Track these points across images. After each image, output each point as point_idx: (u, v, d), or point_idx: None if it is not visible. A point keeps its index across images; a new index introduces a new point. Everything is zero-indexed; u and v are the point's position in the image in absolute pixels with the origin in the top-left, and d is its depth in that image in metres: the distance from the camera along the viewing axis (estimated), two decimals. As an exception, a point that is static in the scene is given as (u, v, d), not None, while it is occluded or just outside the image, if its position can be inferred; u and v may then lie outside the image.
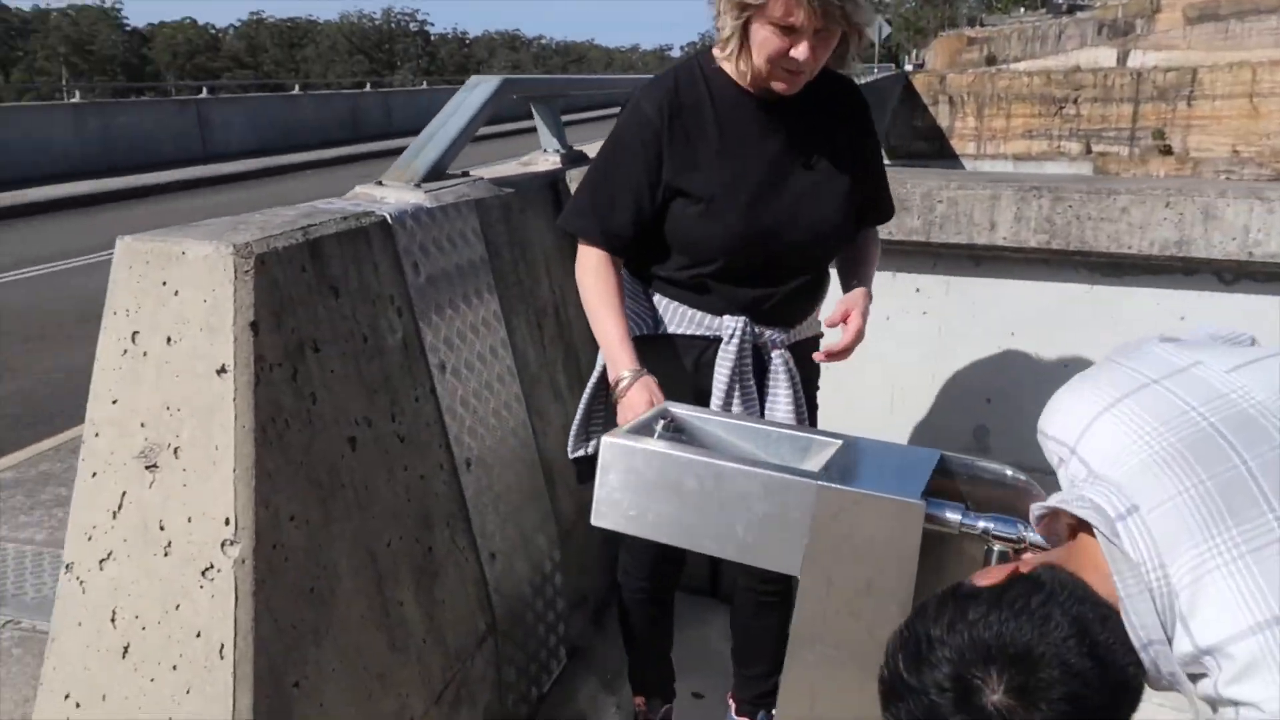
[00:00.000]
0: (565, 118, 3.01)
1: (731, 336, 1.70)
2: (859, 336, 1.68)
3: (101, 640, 1.41)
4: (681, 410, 1.36)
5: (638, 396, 1.57)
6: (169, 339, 1.46)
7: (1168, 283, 2.14)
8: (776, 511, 1.13)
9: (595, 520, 1.24)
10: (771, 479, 1.13)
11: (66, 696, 1.41)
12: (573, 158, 2.88)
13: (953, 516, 1.11)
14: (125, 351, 1.48)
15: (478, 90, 2.51)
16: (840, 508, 1.09)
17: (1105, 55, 39.13)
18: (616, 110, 1.85)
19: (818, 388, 1.94)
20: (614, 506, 1.22)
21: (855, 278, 1.81)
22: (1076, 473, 0.99)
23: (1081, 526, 0.95)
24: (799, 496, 1.11)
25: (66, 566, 1.45)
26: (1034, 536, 1.09)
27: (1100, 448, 0.96)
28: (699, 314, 1.73)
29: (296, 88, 22.04)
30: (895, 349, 2.40)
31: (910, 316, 2.39)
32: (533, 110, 2.93)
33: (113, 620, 1.41)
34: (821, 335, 1.92)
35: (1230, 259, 2.03)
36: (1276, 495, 0.85)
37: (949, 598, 0.93)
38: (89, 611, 1.42)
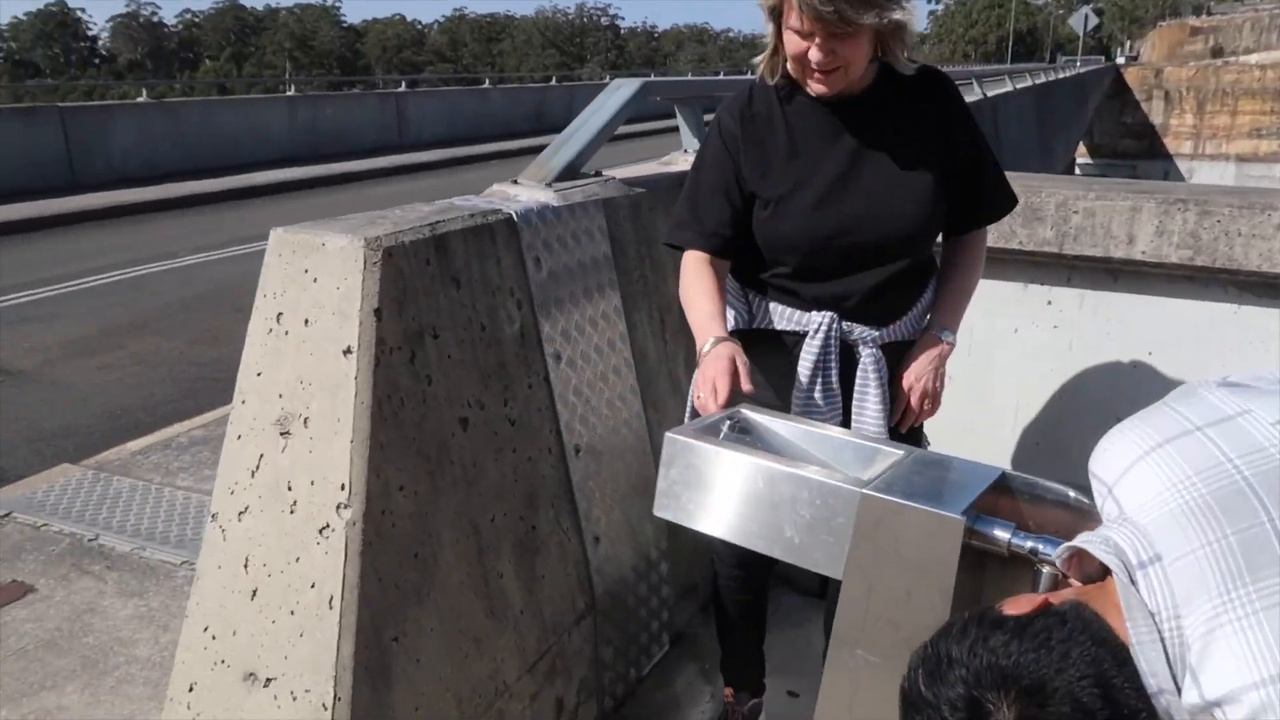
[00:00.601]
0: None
1: (817, 331, 1.74)
2: (924, 407, 1.79)
3: (236, 583, 1.61)
4: (752, 413, 1.40)
5: (719, 356, 1.55)
6: (306, 321, 1.64)
7: (1327, 306, 1.98)
8: (823, 516, 1.16)
9: (656, 510, 1.31)
10: (818, 484, 1.16)
11: (205, 629, 1.62)
12: (712, 158, 2.94)
13: (1001, 535, 1.10)
14: (270, 330, 1.67)
15: (618, 93, 2.62)
16: (882, 516, 1.11)
17: (1354, 45, 35.14)
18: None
19: None
20: (674, 499, 1.29)
21: (939, 309, 1.82)
22: (1110, 512, 0.99)
23: (1109, 569, 0.95)
24: (844, 503, 1.14)
25: (212, 516, 1.66)
26: (1082, 561, 1.07)
27: (1134, 492, 0.97)
28: (790, 310, 1.79)
29: (487, 82, 23.08)
30: (1021, 362, 2.33)
31: (1040, 329, 2.31)
32: (675, 111, 3.02)
33: (245, 566, 1.61)
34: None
35: (1400, 283, 1.85)
36: None
37: (975, 621, 0.95)
38: (227, 557, 1.62)
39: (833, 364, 1.73)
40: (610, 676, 2.20)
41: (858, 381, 1.76)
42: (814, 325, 1.74)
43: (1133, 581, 0.89)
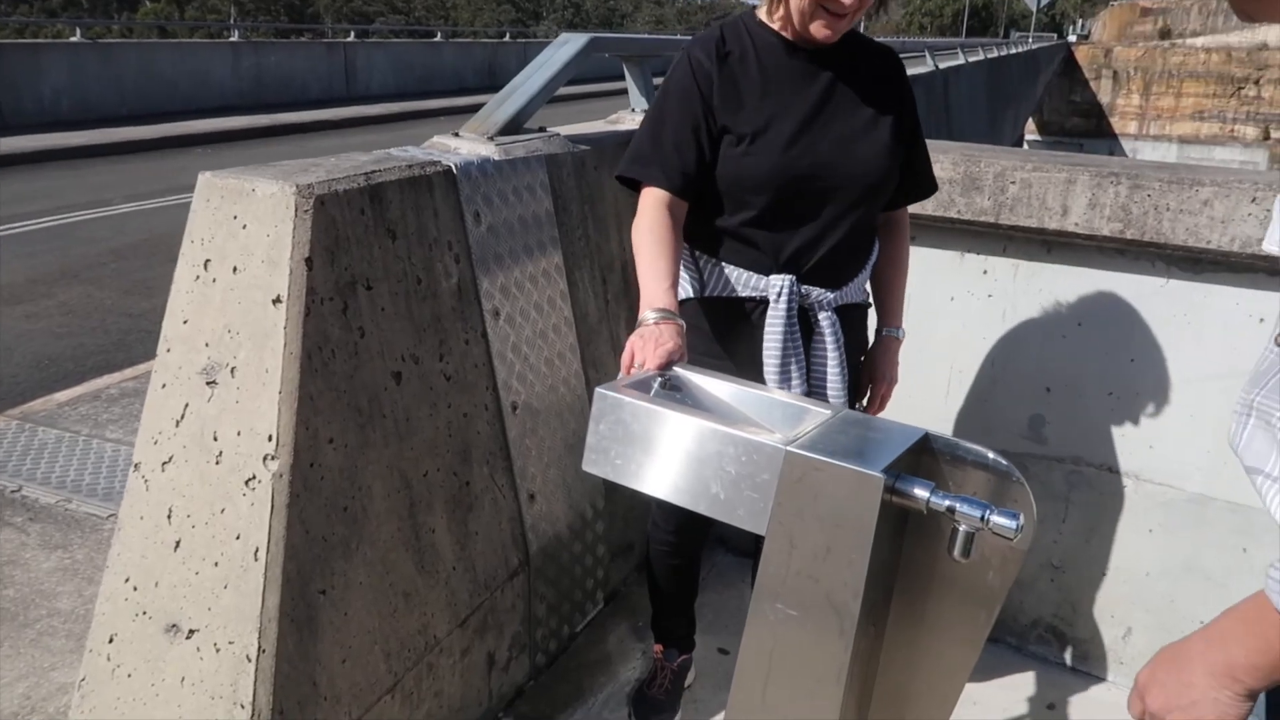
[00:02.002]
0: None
1: (779, 296, 1.72)
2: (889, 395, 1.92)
3: (158, 534, 1.58)
4: (684, 370, 1.41)
5: (661, 338, 1.45)
6: (235, 268, 1.60)
7: (1249, 282, 2.04)
8: (748, 473, 1.17)
9: (585, 465, 1.31)
10: (744, 441, 1.17)
11: (126, 580, 1.59)
12: (659, 118, 2.92)
13: (920, 493, 1.12)
14: (197, 277, 1.63)
15: (565, 48, 2.57)
16: (805, 473, 1.13)
17: (1298, 33, 36.00)
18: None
19: (860, 358, 1.95)
20: (602, 454, 1.29)
21: (886, 309, 1.93)
22: None
23: None
24: (769, 459, 1.15)
25: (135, 466, 1.62)
26: (998, 520, 1.10)
27: None
28: (746, 274, 1.76)
29: (439, 35, 22.58)
30: (957, 330, 2.36)
31: (975, 299, 2.35)
32: (624, 69, 2.98)
33: (169, 517, 1.58)
34: (870, 305, 1.93)
35: (1316, 261, 1.91)
36: None
37: None
38: (150, 507, 1.59)
39: (797, 330, 1.74)
40: (543, 632, 2.22)
41: (815, 345, 1.76)
42: (774, 290, 1.72)
43: None
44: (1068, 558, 2.36)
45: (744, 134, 1.69)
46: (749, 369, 1.77)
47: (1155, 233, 2.05)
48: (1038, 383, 2.30)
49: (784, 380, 1.75)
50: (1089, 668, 2.39)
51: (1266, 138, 34.86)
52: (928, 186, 1.89)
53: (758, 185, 1.70)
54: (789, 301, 1.73)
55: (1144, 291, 2.16)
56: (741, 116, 1.70)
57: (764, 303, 1.76)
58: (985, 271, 2.32)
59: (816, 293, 1.75)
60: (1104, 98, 36.83)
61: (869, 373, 1.95)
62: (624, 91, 3.02)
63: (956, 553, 1.11)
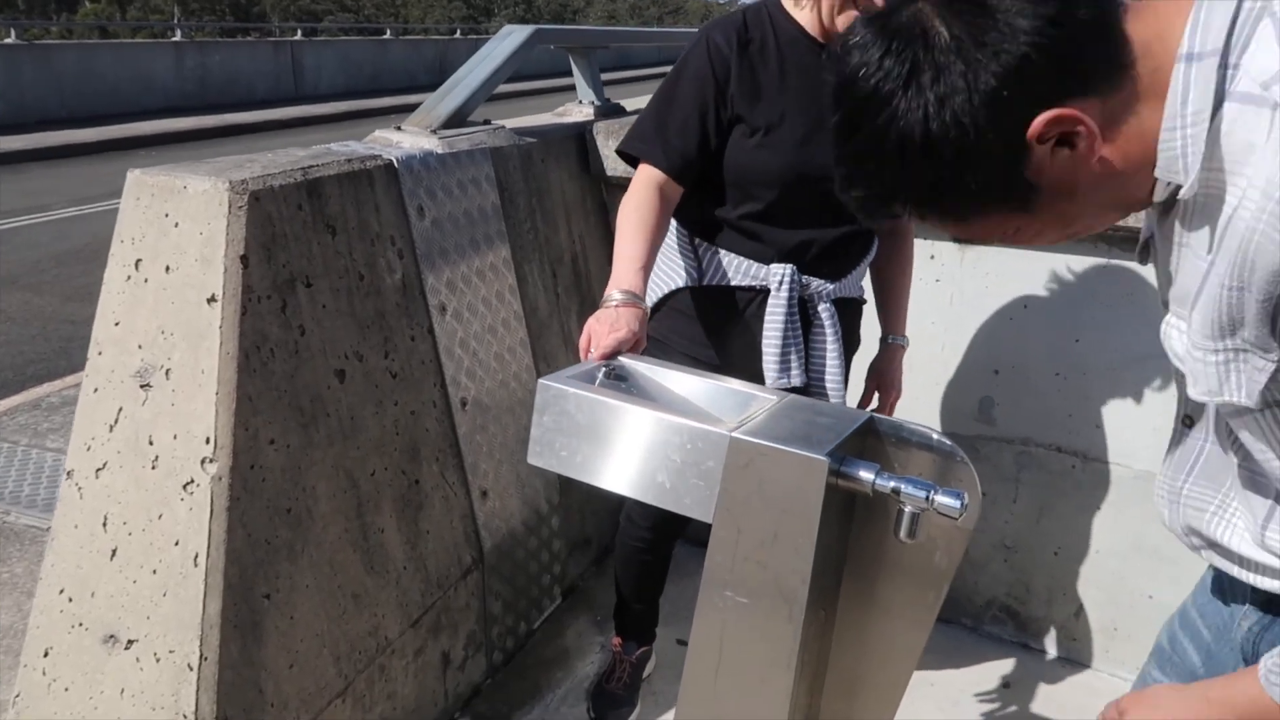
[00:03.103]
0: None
1: (780, 285, 1.70)
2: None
3: (93, 542, 1.53)
4: (630, 360, 1.39)
5: (619, 321, 1.41)
6: (167, 267, 1.55)
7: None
8: (693, 460, 1.16)
9: (530, 458, 1.29)
10: (688, 429, 1.15)
11: (61, 590, 1.54)
12: (607, 110, 2.90)
13: (866, 475, 1.12)
14: (129, 277, 1.58)
15: (508, 40, 2.55)
16: (750, 459, 1.12)
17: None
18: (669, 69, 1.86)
19: (853, 355, 1.94)
20: (547, 446, 1.27)
21: (890, 316, 1.94)
22: None
23: None
24: (713, 446, 1.14)
25: (68, 474, 1.57)
26: (942, 500, 1.09)
27: None
28: (747, 263, 1.73)
29: (389, 33, 22.34)
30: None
31: (923, 284, 2.36)
32: (570, 61, 2.96)
33: (104, 525, 1.53)
34: (864, 301, 1.93)
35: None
36: None
37: None
38: (84, 516, 1.54)
39: (797, 319, 1.72)
40: (499, 630, 2.19)
41: (814, 336, 1.75)
42: (775, 279, 1.69)
43: None
44: (1019, 538, 2.38)
45: (758, 126, 1.66)
46: (745, 360, 1.74)
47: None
48: (986, 365, 2.32)
49: (783, 371, 1.72)
50: (1043, 645, 2.41)
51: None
52: None
53: (766, 180, 1.67)
54: (790, 291, 1.70)
55: (1088, 272, 2.18)
56: (757, 109, 1.66)
57: (763, 293, 1.73)
58: (932, 256, 2.33)
59: (816, 284, 1.74)
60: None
61: (876, 381, 1.94)
62: (572, 87, 2.99)
63: (902, 534, 1.11)
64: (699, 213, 1.74)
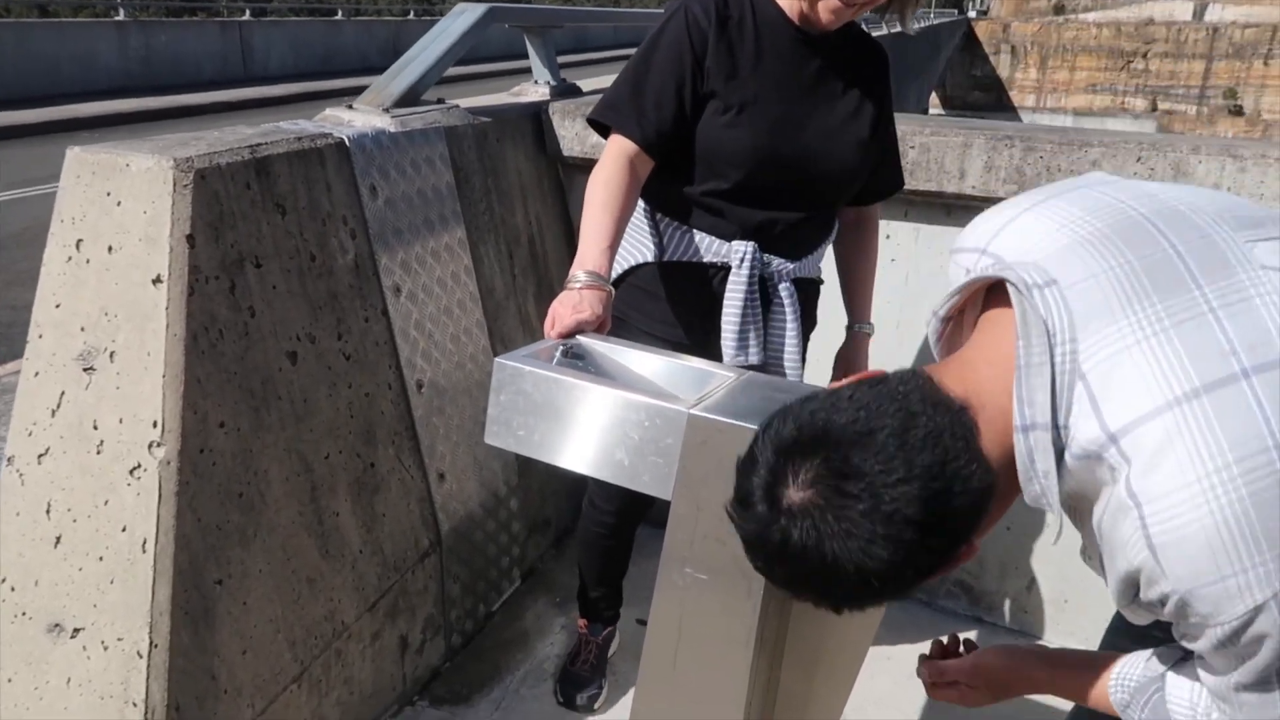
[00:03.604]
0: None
1: (741, 262, 1.69)
2: None
3: (36, 530, 1.49)
4: (588, 339, 1.38)
5: (583, 303, 1.40)
6: (110, 248, 1.51)
7: (1135, 239, 2.11)
8: (651, 438, 1.16)
9: (487, 438, 1.28)
10: (645, 405, 1.15)
11: (3, 580, 1.50)
12: (562, 90, 2.87)
13: (822, 451, 1.13)
14: (70, 258, 1.54)
15: (462, 18, 2.51)
16: (708, 436, 1.11)
17: (1181, 9, 37.65)
18: (630, 51, 1.82)
19: (809, 336, 1.94)
20: (504, 425, 1.26)
21: (856, 304, 1.93)
22: (986, 269, 0.89)
23: (975, 328, 0.88)
24: (671, 423, 1.14)
25: (8, 460, 1.52)
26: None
27: (1016, 241, 0.88)
28: (709, 239, 1.72)
29: (340, 13, 21.93)
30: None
31: (879, 263, 2.37)
32: (526, 41, 2.92)
33: (47, 512, 1.49)
34: (822, 282, 1.93)
35: (1196, 217, 1.98)
36: (1205, 276, 0.79)
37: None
38: (26, 503, 1.50)
39: (757, 297, 1.71)
40: (458, 613, 2.18)
41: (774, 315, 1.75)
42: (737, 256, 1.68)
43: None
44: (973, 514, 2.42)
45: (730, 105, 1.63)
46: (705, 336, 1.74)
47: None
48: (940, 344, 2.34)
49: (741, 348, 1.71)
50: (995, 618, 2.46)
51: (1154, 109, 36.39)
52: (897, 183, 1.88)
53: (734, 159, 1.65)
54: (751, 268, 1.69)
55: (1038, 252, 2.21)
56: (731, 86, 1.63)
57: (724, 270, 1.72)
58: (888, 236, 2.35)
59: (777, 262, 1.73)
60: (1003, 72, 37.94)
61: (843, 369, 1.94)
62: (528, 70, 2.96)
63: (859, 508, 1.12)
64: (663, 188, 1.72)
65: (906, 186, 2.25)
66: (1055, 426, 0.79)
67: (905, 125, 2.26)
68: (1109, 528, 0.79)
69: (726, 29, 1.64)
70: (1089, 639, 2.29)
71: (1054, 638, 2.39)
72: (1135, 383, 0.75)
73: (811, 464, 0.79)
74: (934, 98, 34.79)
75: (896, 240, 2.34)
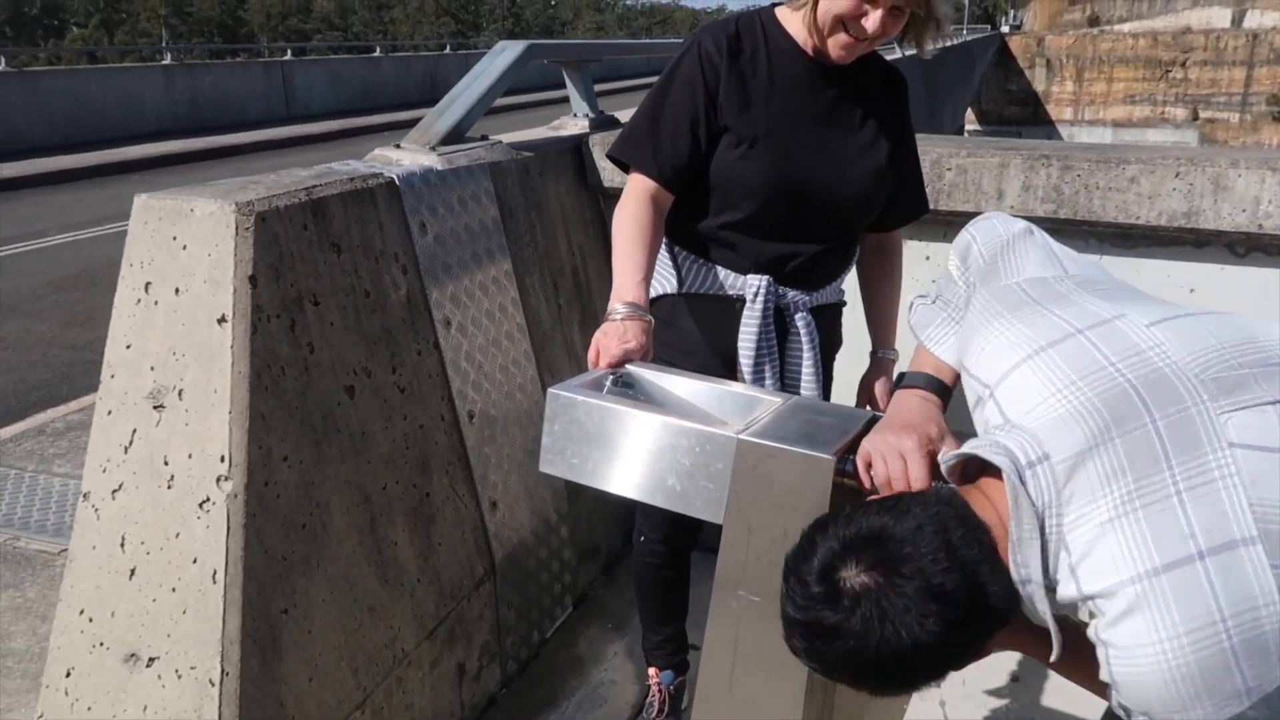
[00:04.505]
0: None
1: (756, 296, 1.71)
2: None
3: (112, 563, 1.55)
4: (636, 367, 1.42)
5: (625, 334, 1.44)
6: (177, 289, 1.58)
7: (1178, 255, 2.10)
8: (702, 463, 1.19)
9: (542, 466, 1.32)
10: (696, 432, 1.18)
11: (81, 611, 1.56)
12: (601, 122, 2.93)
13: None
14: (139, 300, 1.61)
15: (503, 56, 2.58)
16: (758, 460, 1.14)
17: (1219, 16, 37.17)
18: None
19: (834, 356, 1.96)
20: (558, 454, 1.30)
21: (880, 330, 1.90)
22: (992, 418, 1.02)
23: (987, 472, 1.00)
24: (721, 449, 1.17)
25: (84, 496, 1.59)
26: (946, 495, 1.12)
27: (1018, 397, 1.00)
28: (724, 272, 1.74)
29: (378, 50, 22.41)
30: (901, 313, 2.40)
31: (918, 285, 2.37)
32: (564, 75, 2.99)
33: (122, 545, 1.55)
34: (844, 303, 1.94)
35: (1240, 231, 1.98)
36: (1177, 456, 0.89)
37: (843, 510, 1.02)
38: (101, 537, 1.56)
39: (773, 330, 1.73)
40: (513, 640, 2.21)
41: (790, 344, 1.76)
42: (751, 290, 1.70)
43: (1021, 481, 0.92)
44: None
45: (744, 137, 1.66)
46: (724, 366, 1.75)
47: (1087, 211, 2.10)
48: (984, 363, 2.35)
49: (757, 379, 1.73)
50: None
51: (1195, 118, 35.89)
52: (921, 207, 1.88)
53: (749, 191, 1.67)
54: (765, 302, 1.71)
55: (1080, 269, 2.21)
56: (744, 119, 1.66)
57: (739, 302, 1.74)
58: (927, 258, 2.37)
59: (793, 294, 1.74)
60: (1039, 85, 37.65)
61: (867, 394, 1.93)
62: (566, 99, 3.03)
63: (909, 529, 1.13)
64: (681, 220, 1.75)
65: (945, 208, 2.27)
66: (1046, 578, 0.94)
67: (942, 147, 2.28)
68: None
69: (739, 62, 1.66)
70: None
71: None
72: (1106, 560, 0.88)
73: (867, 555, 0.94)
74: (970, 113, 34.60)
75: (936, 262, 2.36)
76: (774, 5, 1.73)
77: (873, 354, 1.94)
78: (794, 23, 1.67)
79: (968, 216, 2.29)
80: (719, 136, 1.68)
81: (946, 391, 1.25)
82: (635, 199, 1.65)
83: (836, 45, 1.59)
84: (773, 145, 1.66)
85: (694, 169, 1.68)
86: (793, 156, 1.66)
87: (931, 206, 2.28)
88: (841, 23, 1.55)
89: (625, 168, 1.72)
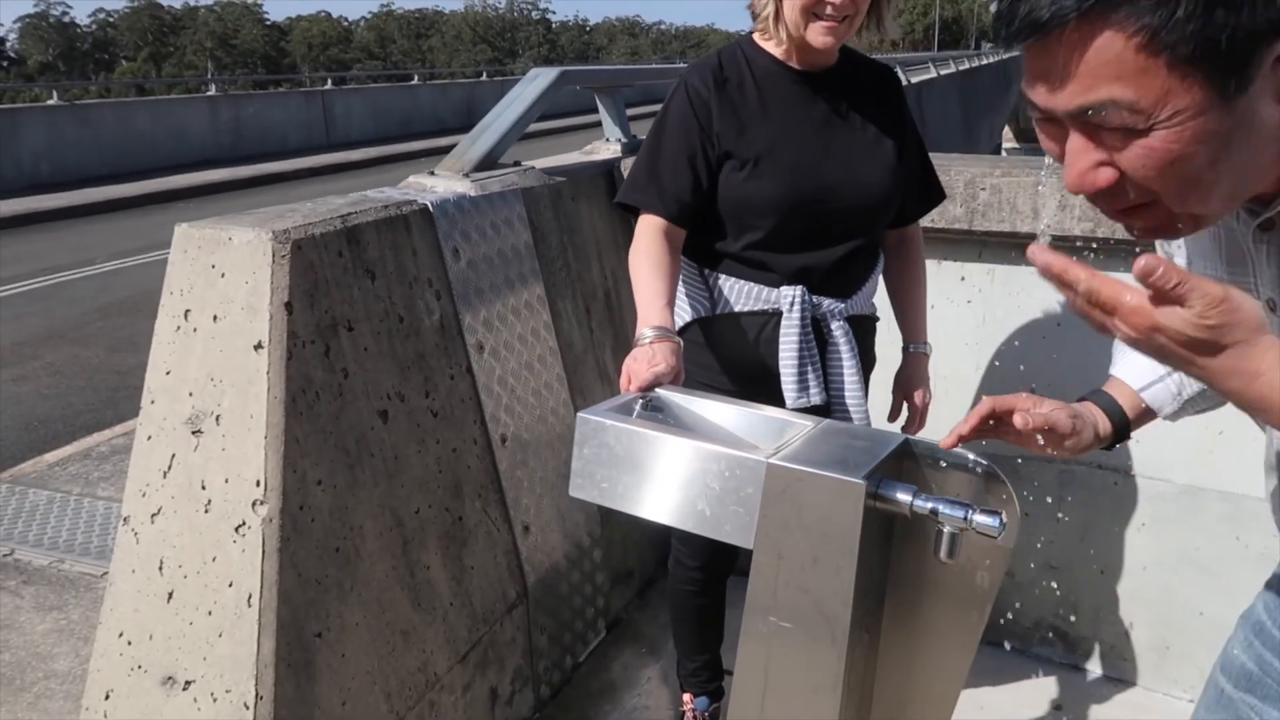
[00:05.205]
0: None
1: (792, 306, 1.72)
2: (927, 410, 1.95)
3: (150, 586, 1.57)
4: (666, 391, 1.41)
5: (655, 356, 1.44)
6: (215, 317, 1.61)
7: (1221, 272, 2.06)
8: (732, 487, 1.18)
9: (572, 491, 1.32)
10: (726, 456, 1.17)
11: (120, 634, 1.58)
12: (633, 146, 2.95)
13: (903, 497, 1.13)
14: (178, 328, 1.64)
15: (535, 82, 2.61)
16: (788, 484, 1.13)
17: (1260, 28, 36.55)
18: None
19: (870, 373, 1.95)
20: (588, 478, 1.30)
21: (909, 324, 1.94)
22: None
23: None
24: (751, 473, 1.16)
25: (124, 520, 1.62)
26: (980, 519, 1.10)
27: None
28: (757, 288, 1.75)
29: (416, 78, 22.78)
30: (939, 338, 2.37)
31: (954, 305, 2.37)
32: (596, 100, 3.02)
33: (160, 569, 1.57)
34: (878, 318, 1.94)
35: None
36: None
37: None
38: (140, 560, 1.59)
39: (812, 341, 1.74)
40: (545, 664, 2.21)
41: (830, 354, 1.77)
42: (786, 301, 1.72)
43: None
44: (1064, 557, 2.36)
45: (746, 159, 1.69)
46: (763, 385, 1.75)
47: (1125, 230, 2.07)
48: (1020, 384, 2.31)
49: (801, 390, 1.73)
50: (1093, 665, 2.38)
51: (1239, 132, 35.26)
52: (936, 195, 1.90)
53: (762, 209, 1.70)
54: (802, 310, 1.72)
55: (1119, 288, 2.18)
56: (743, 142, 1.69)
57: (775, 316, 1.75)
58: (963, 278, 2.34)
59: (828, 303, 1.76)
60: (1077, 102, 37.20)
61: (903, 391, 1.95)
62: (599, 123, 3.05)
63: (942, 554, 1.12)
64: (707, 246, 1.78)
65: (980, 228, 2.25)
66: None
67: (976, 167, 2.26)
68: None
69: (726, 90, 1.71)
70: (1193, 686, 2.20)
71: (1155, 685, 2.31)
72: None
73: None
74: (1007, 131, 34.29)
75: (972, 282, 2.33)
76: (752, 33, 1.78)
77: (905, 349, 1.95)
78: (772, 43, 1.72)
79: (1003, 236, 2.28)
80: (720, 166, 1.72)
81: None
82: (647, 236, 1.69)
83: (817, 35, 1.62)
84: (776, 161, 1.69)
85: (699, 203, 1.72)
86: (799, 168, 1.69)
87: (966, 226, 2.27)
88: (811, 11, 1.59)
89: (635, 213, 1.75)
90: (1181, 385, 1.19)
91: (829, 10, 1.58)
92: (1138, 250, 0.84)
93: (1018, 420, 1.12)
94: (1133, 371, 1.18)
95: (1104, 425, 1.21)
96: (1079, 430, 1.15)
